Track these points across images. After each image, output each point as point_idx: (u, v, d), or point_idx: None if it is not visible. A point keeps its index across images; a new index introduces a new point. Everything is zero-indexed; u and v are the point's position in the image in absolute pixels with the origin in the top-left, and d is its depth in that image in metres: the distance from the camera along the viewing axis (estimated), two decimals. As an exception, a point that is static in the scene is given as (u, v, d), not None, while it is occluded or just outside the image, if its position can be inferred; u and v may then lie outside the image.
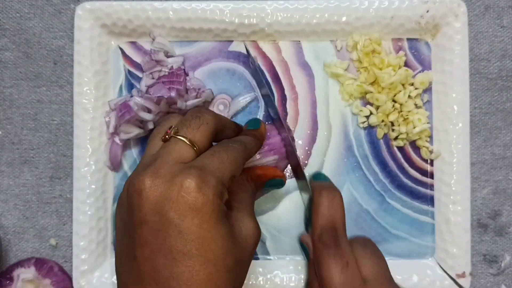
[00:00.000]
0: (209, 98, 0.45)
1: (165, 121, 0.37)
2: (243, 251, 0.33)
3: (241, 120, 0.45)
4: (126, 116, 0.43)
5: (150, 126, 0.43)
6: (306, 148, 0.45)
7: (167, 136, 0.34)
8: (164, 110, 0.43)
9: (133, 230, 0.31)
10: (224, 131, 0.37)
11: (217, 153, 0.33)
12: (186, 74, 0.45)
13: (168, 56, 0.45)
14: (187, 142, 0.33)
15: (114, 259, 0.45)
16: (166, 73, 0.44)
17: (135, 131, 0.43)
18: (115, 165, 0.45)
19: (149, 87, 0.43)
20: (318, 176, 0.44)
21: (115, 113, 0.43)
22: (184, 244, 0.30)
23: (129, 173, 0.45)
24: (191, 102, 0.43)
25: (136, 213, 0.31)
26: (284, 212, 0.45)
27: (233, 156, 0.34)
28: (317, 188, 0.41)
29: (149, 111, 0.43)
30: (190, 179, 0.30)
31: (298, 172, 0.44)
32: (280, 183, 0.43)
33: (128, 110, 0.42)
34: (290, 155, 0.44)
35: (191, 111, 0.36)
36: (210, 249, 0.30)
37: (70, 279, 0.45)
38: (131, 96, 0.44)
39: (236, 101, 0.45)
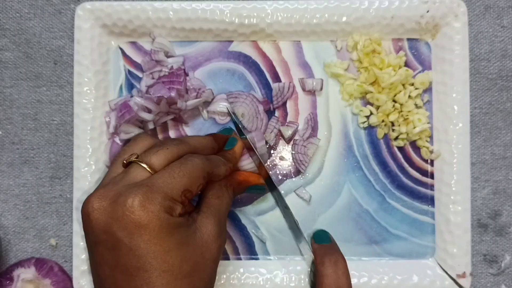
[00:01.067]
0: (209, 98, 0.45)
1: (132, 143, 0.38)
2: (204, 255, 0.34)
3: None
4: (126, 116, 0.43)
5: (150, 126, 0.43)
6: (306, 148, 0.45)
7: (125, 162, 0.35)
8: (164, 110, 0.43)
9: (92, 249, 0.33)
10: (197, 153, 0.38)
11: (169, 168, 0.34)
12: (186, 74, 0.45)
13: (168, 56, 0.45)
14: (145, 167, 0.34)
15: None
16: (166, 73, 0.44)
17: (135, 131, 0.43)
18: None
19: (149, 87, 0.43)
20: (319, 238, 0.44)
21: (115, 113, 0.43)
22: (137, 260, 0.31)
23: None
24: (191, 102, 0.43)
25: (90, 234, 0.32)
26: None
27: (187, 169, 0.34)
28: (319, 254, 0.41)
29: (149, 111, 0.42)
30: (132, 198, 0.31)
31: (270, 185, 0.44)
32: (261, 189, 0.43)
33: (128, 110, 0.43)
34: (260, 171, 0.44)
35: (159, 141, 0.38)
36: (164, 261, 0.31)
37: (70, 279, 0.45)
38: (131, 96, 0.44)
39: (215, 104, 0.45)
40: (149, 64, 0.45)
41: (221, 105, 0.44)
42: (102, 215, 0.31)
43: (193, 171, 0.34)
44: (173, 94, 0.42)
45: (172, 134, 0.45)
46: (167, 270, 0.31)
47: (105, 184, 0.34)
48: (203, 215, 0.36)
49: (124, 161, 0.35)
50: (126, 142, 0.45)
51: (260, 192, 0.44)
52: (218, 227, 0.36)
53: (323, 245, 0.43)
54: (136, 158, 0.35)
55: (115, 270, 0.31)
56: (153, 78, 0.44)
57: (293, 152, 0.45)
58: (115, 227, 0.31)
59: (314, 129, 0.45)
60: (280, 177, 0.45)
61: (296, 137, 0.45)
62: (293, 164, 0.45)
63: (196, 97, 0.44)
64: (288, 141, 0.45)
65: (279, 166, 0.45)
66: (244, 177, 0.42)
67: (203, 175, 0.35)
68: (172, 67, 0.44)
